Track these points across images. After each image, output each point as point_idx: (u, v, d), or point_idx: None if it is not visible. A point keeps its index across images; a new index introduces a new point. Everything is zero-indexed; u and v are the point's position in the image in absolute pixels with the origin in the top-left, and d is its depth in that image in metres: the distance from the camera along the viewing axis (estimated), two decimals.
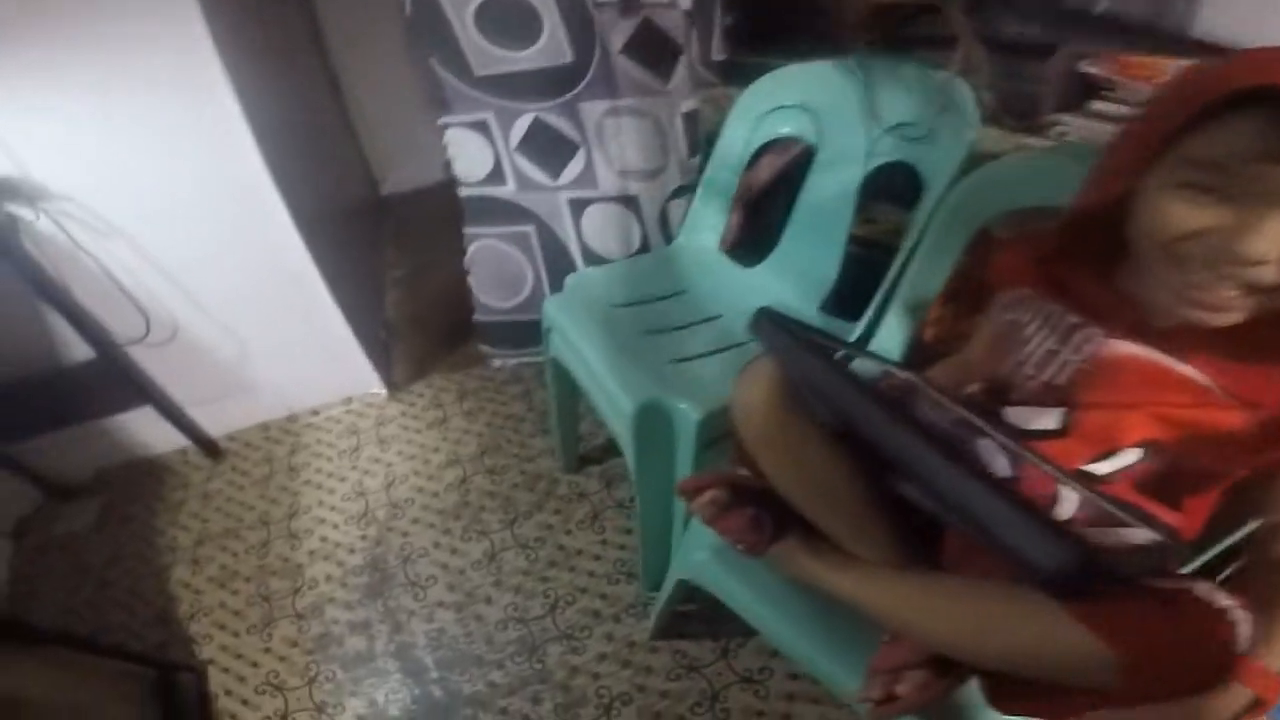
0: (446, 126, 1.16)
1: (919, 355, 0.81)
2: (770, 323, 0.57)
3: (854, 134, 0.93)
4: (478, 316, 1.41)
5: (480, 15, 1.01)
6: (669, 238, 1.20)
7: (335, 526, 1.26)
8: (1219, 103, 0.46)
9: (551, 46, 1.02)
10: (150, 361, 1.28)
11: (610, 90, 1.06)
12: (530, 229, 1.26)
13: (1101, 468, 0.57)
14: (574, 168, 1.16)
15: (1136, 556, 0.48)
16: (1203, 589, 0.43)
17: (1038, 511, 0.42)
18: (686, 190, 1.17)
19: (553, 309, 0.99)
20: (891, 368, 0.64)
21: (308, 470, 1.37)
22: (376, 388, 1.50)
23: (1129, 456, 0.56)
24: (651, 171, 1.15)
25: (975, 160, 0.80)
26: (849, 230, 0.95)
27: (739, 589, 0.70)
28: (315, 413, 1.49)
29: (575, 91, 1.07)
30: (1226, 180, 0.45)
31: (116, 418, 1.35)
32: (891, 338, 0.81)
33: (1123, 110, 0.91)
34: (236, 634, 1.12)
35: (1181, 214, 0.48)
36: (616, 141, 1.10)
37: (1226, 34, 1.02)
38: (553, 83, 1.06)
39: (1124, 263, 0.57)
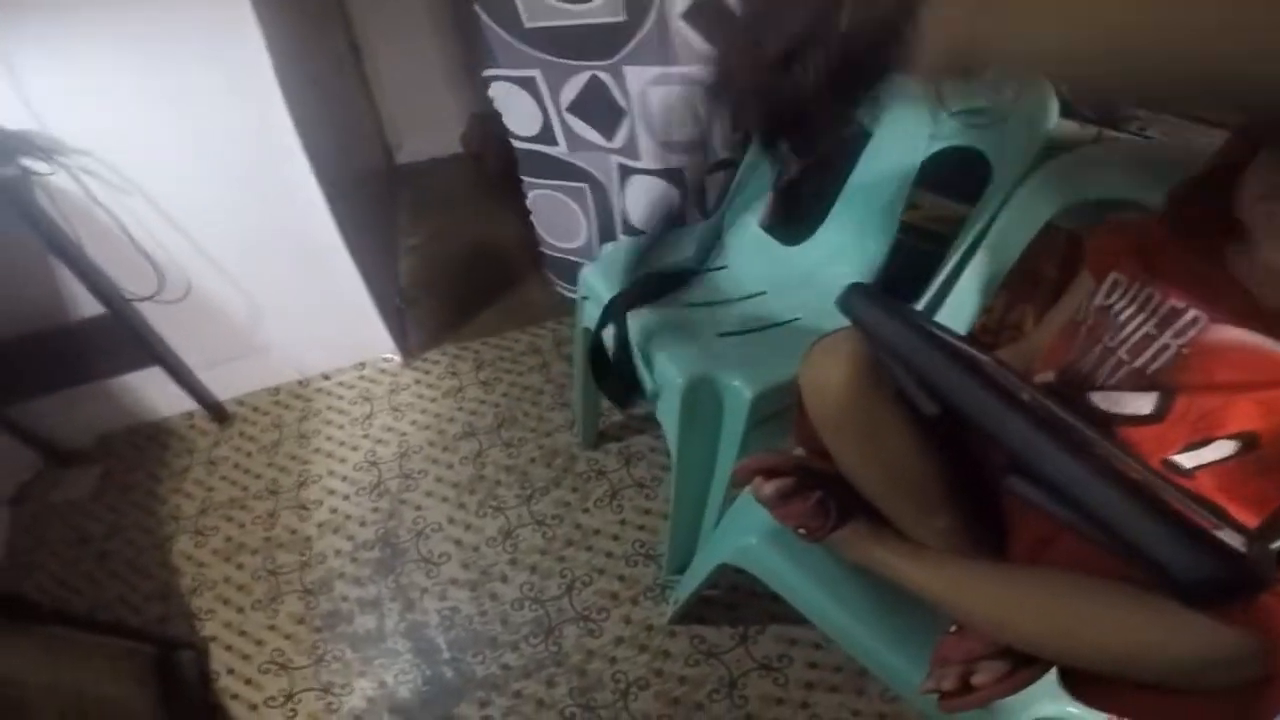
0: (492, 80, 1.13)
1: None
2: (865, 297, 0.53)
3: (916, 117, 0.90)
4: (542, 249, 1.43)
5: None
6: (706, 211, 1.17)
7: (346, 498, 1.22)
8: None
9: (605, 5, 0.98)
10: (160, 320, 1.23)
11: (662, 56, 1.01)
12: (585, 185, 1.24)
13: (1191, 459, 0.54)
14: (623, 133, 1.12)
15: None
16: None
17: (1180, 517, 0.39)
18: (729, 164, 1.13)
19: (591, 277, 0.95)
20: (975, 350, 0.60)
21: (318, 438, 1.33)
22: (391, 353, 1.46)
23: (1222, 449, 0.54)
24: (693, 144, 1.11)
25: (1048, 151, 0.77)
26: (900, 215, 0.92)
27: (794, 575, 0.67)
28: (327, 377, 1.45)
29: (623, 54, 1.02)
30: None
31: (122, 379, 1.30)
32: (961, 309, 0.78)
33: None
34: (241, 610, 1.08)
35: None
36: (661, 110, 1.06)
37: None
38: (603, 41, 1.02)
39: (1231, 245, 0.54)
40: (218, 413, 1.36)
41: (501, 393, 1.40)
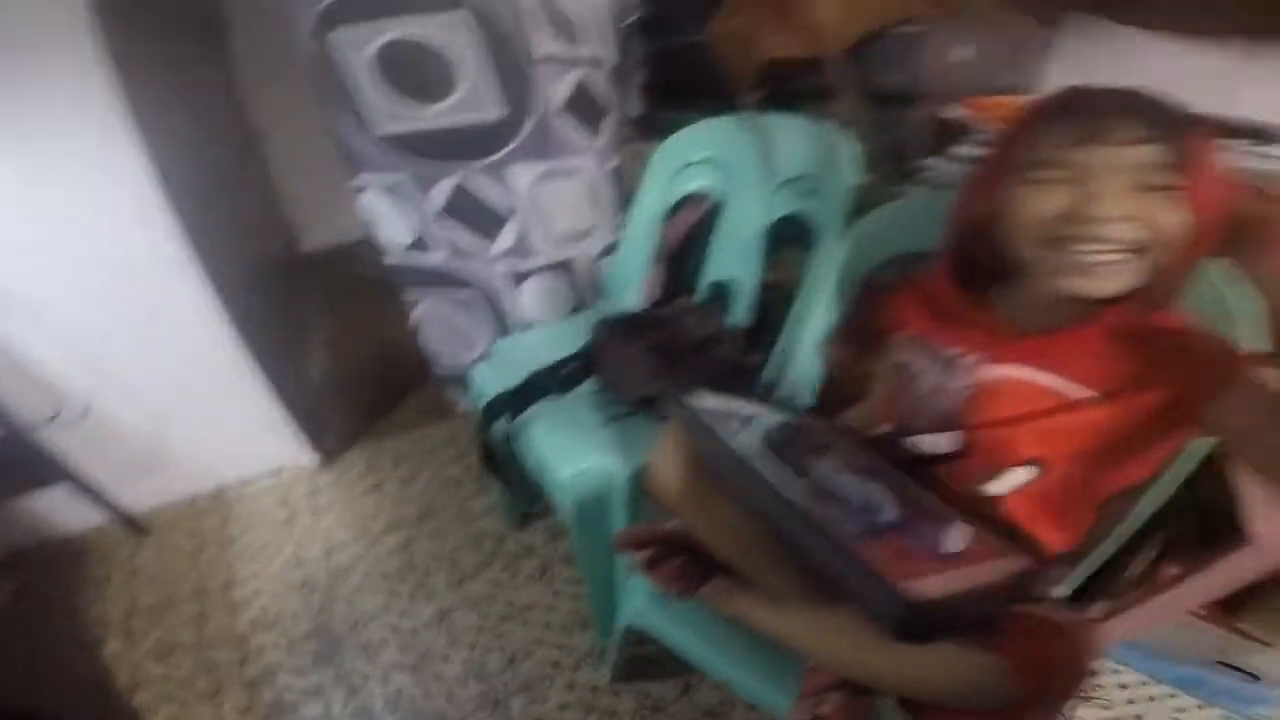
0: (360, 190, 1.08)
1: (834, 396, 0.88)
2: (675, 400, 0.66)
3: (755, 188, 1.00)
4: (436, 371, 1.36)
5: (381, 63, 0.89)
6: (603, 296, 1.22)
7: (276, 595, 1.23)
8: (1043, 116, 0.58)
9: (471, 101, 0.93)
10: (64, 439, 1.22)
11: (545, 151, 1.02)
12: (474, 292, 1.17)
13: (997, 487, 0.64)
14: (506, 237, 1.08)
15: (1009, 583, 0.54)
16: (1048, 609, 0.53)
17: (871, 568, 0.48)
18: (616, 247, 1.19)
19: (480, 377, 1.00)
20: (803, 420, 0.71)
21: (240, 542, 1.33)
22: (307, 457, 1.47)
23: (1020, 474, 0.64)
24: (584, 232, 1.13)
25: (863, 208, 0.88)
26: (757, 280, 1.02)
27: (678, 630, 0.75)
28: (244, 485, 1.45)
29: (506, 152, 0.99)
30: (1060, 168, 0.56)
31: (30, 497, 1.28)
32: (805, 373, 0.88)
33: (979, 150, 1.00)
34: (185, 704, 1.07)
35: (1036, 202, 0.58)
36: (551, 205, 1.07)
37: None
38: (476, 142, 0.98)
39: (1001, 285, 0.65)
40: (134, 524, 1.34)
41: (422, 485, 1.43)
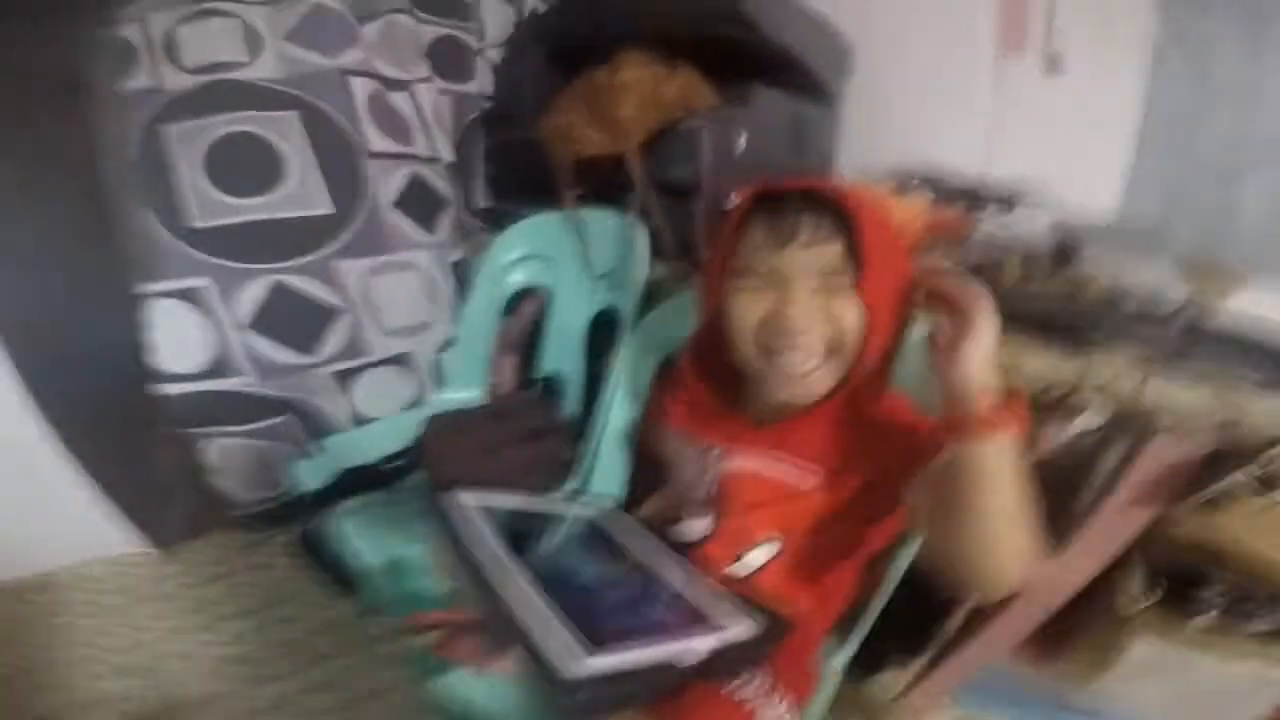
0: (145, 299, 0.90)
1: (644, 481, 0.89)
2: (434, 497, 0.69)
3: (575, 282, 1.05)
4: (238, 513, 1.17)
5: (211, 156, 0.85)
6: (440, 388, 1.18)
7: (106, 677, 1.17)
8: (743, 220, 0.63)
9: (300, 194, 0.88)
10: None
11: (376, 246, 0.99)
12: (286, 418, 1.00)
13: (744, 566, 0.70)
14: (336, 338, 0.98)
15: (731, 652, 0.57)
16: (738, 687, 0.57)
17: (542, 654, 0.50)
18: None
19: (303, 472, 0.98)
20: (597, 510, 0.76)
21: (73, 629, 1.25)
22: (147, 546, 1.39)
23: (764, 552, 0.70)
24: (422, 325, 1.09)
25: (656, 300, 0.93)
26: (582, 372, 1.05)
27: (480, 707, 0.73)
28: (75, 572, 1.36)
29: (333, 248, 0.94)
30: (760, 275, 0.61)
31: None
32: (611, 466, 0.91)
33: None
34: None
35: (744, 310, 0.63)
36: (384, 300, 1.02)
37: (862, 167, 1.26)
38: (299, 237, 0.91)
39: (742, 380, 0.71)
40: None
41: (275, 573, 1.37)
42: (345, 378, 1.03)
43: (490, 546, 0.61)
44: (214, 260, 0.89)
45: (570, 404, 1.08)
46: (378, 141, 0.99)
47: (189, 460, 1.37)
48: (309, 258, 0.94)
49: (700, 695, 0.57)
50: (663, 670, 0.53)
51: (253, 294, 0.92)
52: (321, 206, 0.92)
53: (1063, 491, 1.09)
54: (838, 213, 0.59)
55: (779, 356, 0.62)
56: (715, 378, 0.72)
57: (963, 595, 0.82)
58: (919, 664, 0.98)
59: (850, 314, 0.60)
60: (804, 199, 0.60)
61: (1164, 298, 0.85)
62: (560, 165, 1.05)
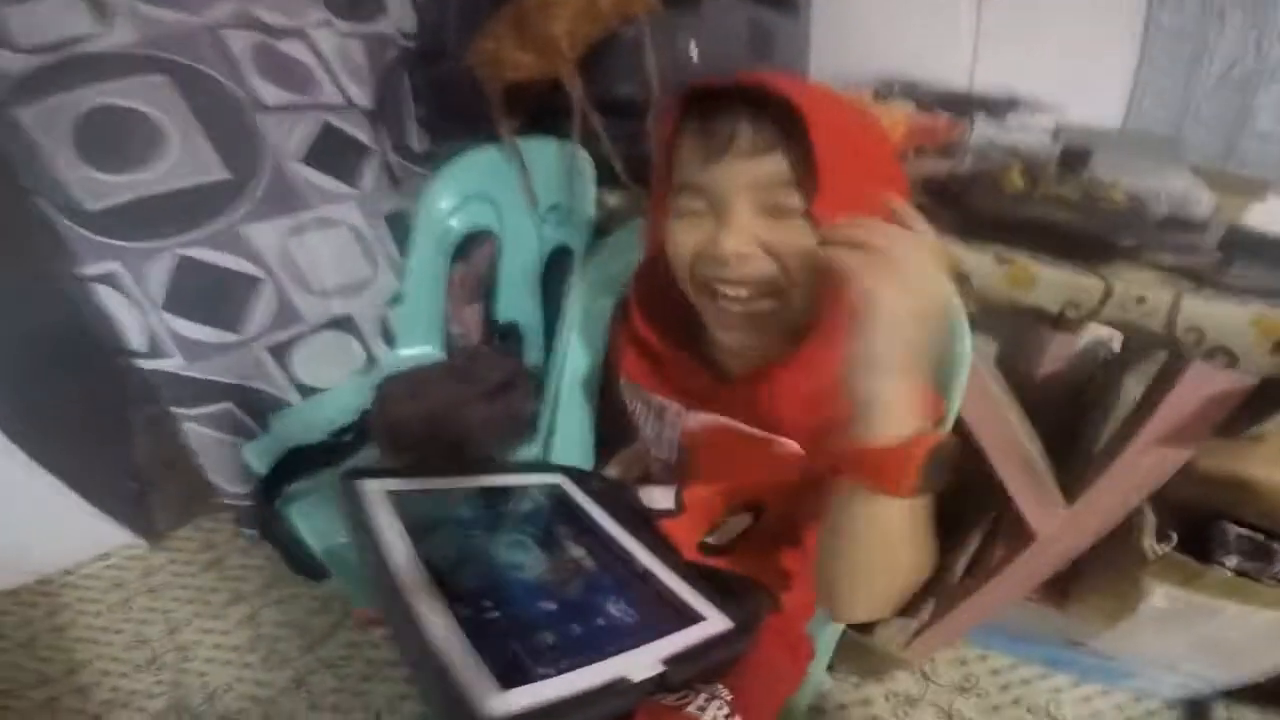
0: (83, 284, 0.85)
1: (613, 434, 0.80)
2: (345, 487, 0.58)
3: (523, 220, 0.94)
4: (226, 502, 1.11)
5: (82, 133, 0.78)
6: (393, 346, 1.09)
7: (124, 675, 1.18)
8: (675, 128, 0.50)
9: (188, 162, 0.81)
10: None
11: (289, 205, 0.90)
12: (226, 406, 0.95)
13: (719, 538, 0.61)
14: (263, 309, 0.92)
15: (699, 652, 0.49)
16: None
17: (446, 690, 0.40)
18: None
19: (256, 458, 0.90)
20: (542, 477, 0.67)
21: (75, 628, 1.26)
22: (133, 540, 1.39)
23: (737, 523, 0.60)
24: (360, 284, 1.02)
25: (606, 232, 0.82)
26: (541, 318, 0.96)
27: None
28: (69, 573, 1.36)
29: (238, 214, 0.86)
30: (697, 194, 0.49)
31: None
32: (572, 420, 0.82)
33: None
34: None
35: (680, 239, 0.51)
36: (309, 262, 0.95)
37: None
38: (199, 207, 0.84)
39: (700, 326, 0.58)
40: None
41: (265, 555, 1.36)
42: (281, 351, 0.96)
43: (394, 549, 0.51)
44: (115, 243, 0.83)
45: (534, 353, 0.99)
46: (271, 95, 0.88)
47: (160, 445, 1.35)
48: (212, 227, 0.85)
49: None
50: (611, 690, 0.43)
51: (159, 273, 0.85)
52: (215, 172, 0.84)
53: (1074, 418, 1.00)
54: (787, 114, 0.45)
55: (714, 289, 0.51)
56: (669, 321, 0.59)
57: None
58: (925, 612, 0.91)
59: (795, 241, 0.47)
60: (743, 98, 0.46)
61: (1194, 206, 0.71)
62: (492, 95, 0.91)
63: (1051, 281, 0.60)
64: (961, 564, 0.92)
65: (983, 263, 0.62)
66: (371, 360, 1.04)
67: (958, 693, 1.07)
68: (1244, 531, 0.83)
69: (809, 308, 0.50)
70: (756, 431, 0.56)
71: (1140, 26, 1.04)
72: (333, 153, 0.95)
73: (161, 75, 0.80)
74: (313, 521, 0.82)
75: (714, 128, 0.47)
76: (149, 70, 0.80)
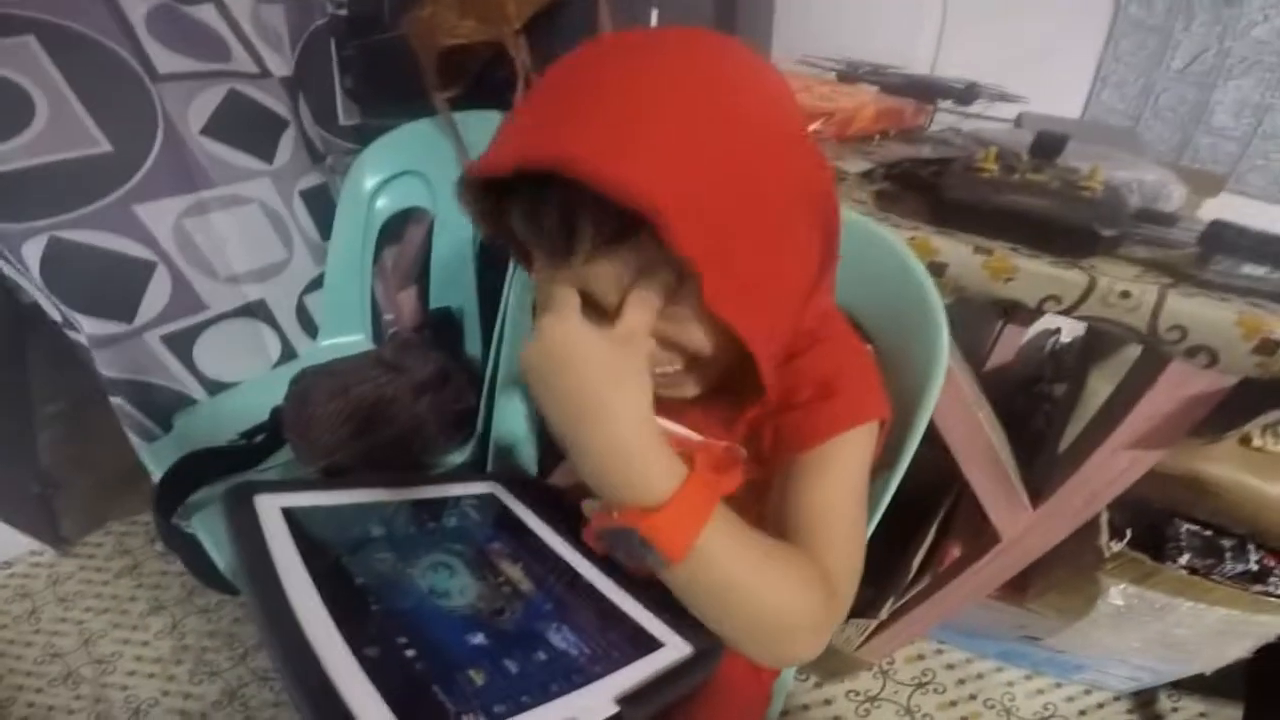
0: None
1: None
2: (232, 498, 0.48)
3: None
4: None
5: None
6: (316, 335, 1.02)
7: (39, 691, 1.06)
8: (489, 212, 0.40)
9: (59, 133, 0.72)
10: None
11: (186, 182, 0.81)
12: (119, 401, 0.87)
13: None
14: (156, 294, 0.83)
15: (656, 687, 0.41)
16: None
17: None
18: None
19: (154, 461, 0.78)
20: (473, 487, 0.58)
21: None
22: (37, 547, 1.26)
23: None
24: (273, 267, 0.92)
25: None
26: (478, 304, 0.87)
27: None
28: None
29: (125, 190, 0.77)
30: (567, 285, 0.37)
31: None
32: (513, 418, 0.74)
33: None
34: None
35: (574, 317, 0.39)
36: (213, 244, 0.85)
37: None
38: (80, 183, 0.75)
39: None
40: None
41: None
42: (179, 342, 0.87)
43: (288, 578, 0.41)
44: None
45: (471, 343, 0.90)
46: (167, 61, 0.78)
47: (67, 443, 1.21)
48: (94, 206, 0.76)
49: None
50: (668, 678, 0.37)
51: (33, 254, 0.75)
52: (93, 145, 0.74)
53: (1025, 409, 0.97)
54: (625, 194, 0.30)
55: None
56: None
57: None
58: (884, 611, 0.87)
59: (693, 336, 0.38)
60: (562, 186, 0.31)
61: (1165, 199, 0.68)
62: (427, 63, 0.81)
63: (1032, 274, 0.54)
64: (916, 561, 0.88)
65: (960, 252, 0.56)
66: (289, 351, 0.95)
67: (916, 689, 1.05)
68: (1195, 529, 0.82)
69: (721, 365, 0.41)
70: (697, 436, 0.48)
71: (1108, 18, 1.03)
72: (241, 125, 0.86)
73: (27, 35, 0.69)
74: (217, 535, 0.71)
75: (536, 224, 0.36)
76: (13, 30, 0.69)
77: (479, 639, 0.43)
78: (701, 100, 0.32)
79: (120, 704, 1.04)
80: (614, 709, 0.38)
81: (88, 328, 0.79)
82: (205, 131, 0.81)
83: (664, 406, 0.48)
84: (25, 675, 1.08)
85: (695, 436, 0.48)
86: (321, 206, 0.94)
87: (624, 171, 0.30)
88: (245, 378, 0.91)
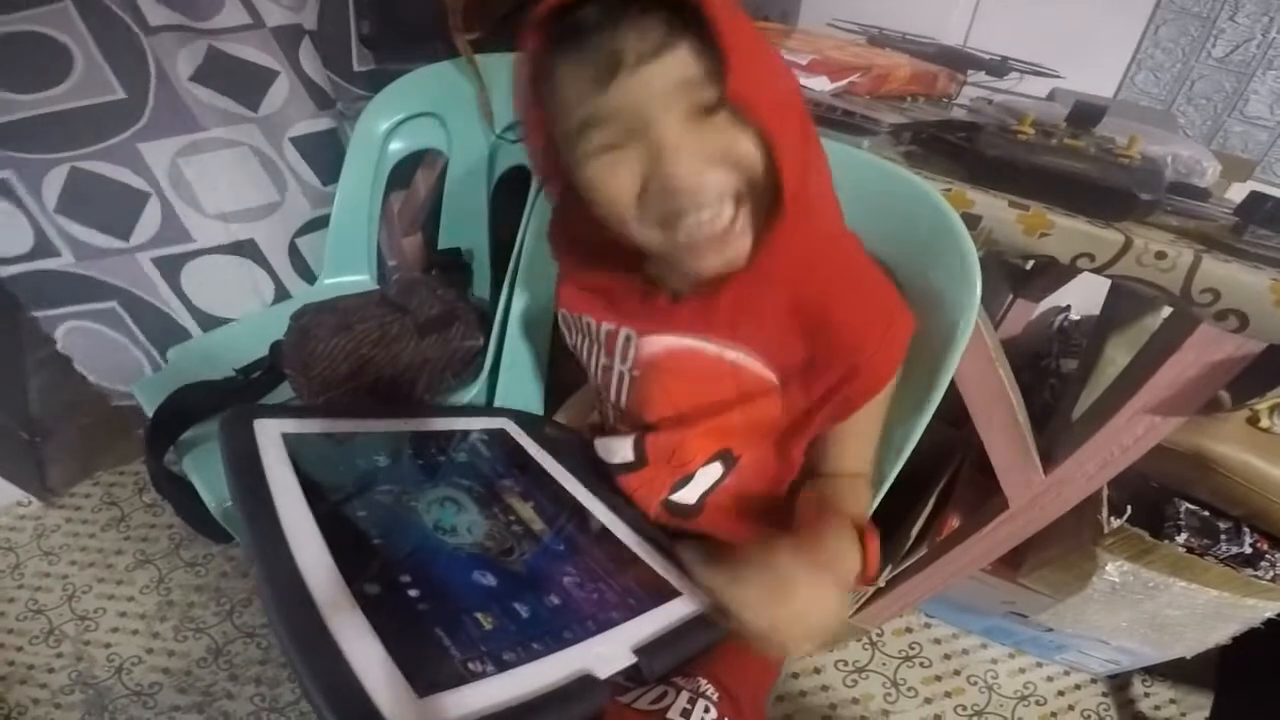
0: None
1: (568, 374, 0.70)
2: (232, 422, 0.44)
3: (476, 139, 0.81)
4: (116, 403, 1.07)
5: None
6: (312, 279, 0.98)
7: (19, 649, 0.99)
8: (537, 61, 0.39)
9: (89, 83, 0.80)
10: None
11: (181, 124, 0.85)
12: (113, 304, 0.94)
13: (688, 494, 0.50)
14: (148, 221, 0.89)
15: (668, 641, 0.38)
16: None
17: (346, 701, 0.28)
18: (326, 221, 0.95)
19: (146, 395, 0.72)
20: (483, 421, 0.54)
21: None
22: (23, 498, 1.18)
23: (708, 475, 0.49)
24: (263, 209, 0.93)
25: None
26: (489, 246, 0.83)
27: None
28: None
29: (133, 130, 0.84)
30: (606, 126, 0.37)
31: None
32: (521, 358, 0.70)
33: None
34: None
35: (612, 182, 0.39)
36: (203, 182, 0.88)
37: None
38: (98, 123, 0.83)
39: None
40: None
41: (173, 513, 1.19)
42: (167, 265, 0.92)
43: (284, 508, 0.37)
44: (13, 154, 0.81)
45: (479, 285, 0.86)
46: (155, 15, 0.81)
47: (56, 389, 1.14)
48: (108, 143, 0.84)
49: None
50: (568, 692, 0.31)
51: (54, 181, 0.83)
52: (112, 92, 0.82)
53: (1031, 384, 0.94)
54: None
55: (682, 225, 0.39)
56: (602, 250, 0.48)
57: None
58: (880, 580, 0.83)
59: (740, 138, 0.38)
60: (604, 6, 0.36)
61: (1199, 174, 0.66)
62: (450, 5, 0.76)
63: (1068, 230, 0.51)
64: (914, 530, 0.84)
65: (996, 205, 0.52)
66: (282, 292, 0.94)
67: (903, 661, 1.02)
68: (1194, 508, 0.80)
69: (768, 205, 0.40)
70: (722, 349, 0.46)
71: (1152, 3, 0.99)
72: (229, 75, 0.87)
73: (65, 1, 0.76)
74: (209, 475, 0.65)
75: (591, 44, 0.36)
76: None
77: (487, 579, 0.38)
78: None
79: (102, 662, 0.98)
80: (631, 659, 0.34)
81: (90, 239, 0.86)
82: (194, 79, 0.84)
83: (706, 323, 0.45)
84: (6, 633, 1.01)
85: (742, 358, 0.46)
86: (319, 152, 0.92)
87: None
88: (232, 313, 0.91)
